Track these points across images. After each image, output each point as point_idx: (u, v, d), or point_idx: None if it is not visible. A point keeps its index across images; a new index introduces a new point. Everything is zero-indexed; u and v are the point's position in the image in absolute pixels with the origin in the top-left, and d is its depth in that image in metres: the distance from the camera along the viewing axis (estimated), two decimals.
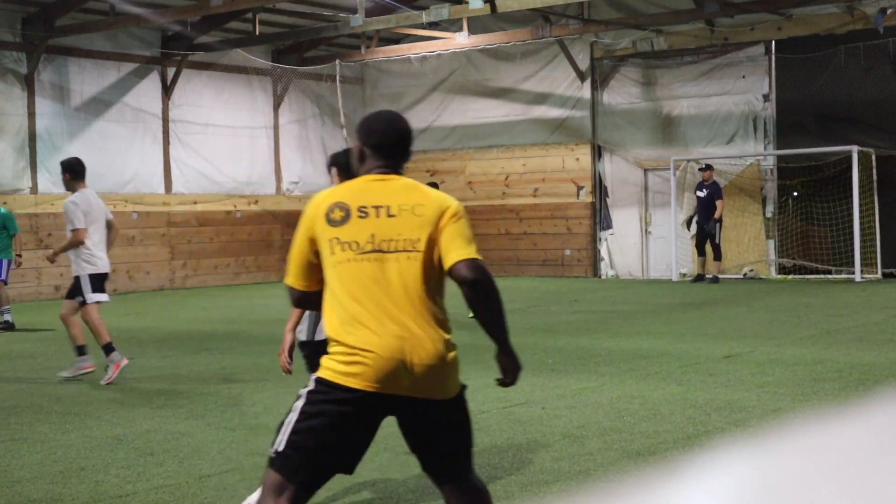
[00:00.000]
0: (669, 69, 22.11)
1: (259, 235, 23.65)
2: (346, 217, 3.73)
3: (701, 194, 20.47)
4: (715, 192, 20.33)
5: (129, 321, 15.46)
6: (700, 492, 0.82)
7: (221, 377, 9.64)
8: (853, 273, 19.52)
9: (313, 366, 4.97)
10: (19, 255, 15.13)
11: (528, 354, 10.71)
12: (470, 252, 3.88)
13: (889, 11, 19.14)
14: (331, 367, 3.70)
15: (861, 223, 19.48)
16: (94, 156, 20.80)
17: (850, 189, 19.62)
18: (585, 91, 22.96)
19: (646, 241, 22.72)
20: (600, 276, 22.99)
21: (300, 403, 3.82)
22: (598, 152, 23.11)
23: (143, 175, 21.66)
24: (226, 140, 23.17)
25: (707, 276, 20.46)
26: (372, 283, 3.69)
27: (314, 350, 5.26)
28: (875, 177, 20.02)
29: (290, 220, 24.26)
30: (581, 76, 22.89)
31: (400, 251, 3.74)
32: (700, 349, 10.75)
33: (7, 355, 11.81)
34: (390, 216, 3.73)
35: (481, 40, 21.95)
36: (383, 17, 19.18)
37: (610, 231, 23.00)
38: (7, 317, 14.70)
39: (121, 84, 21.31)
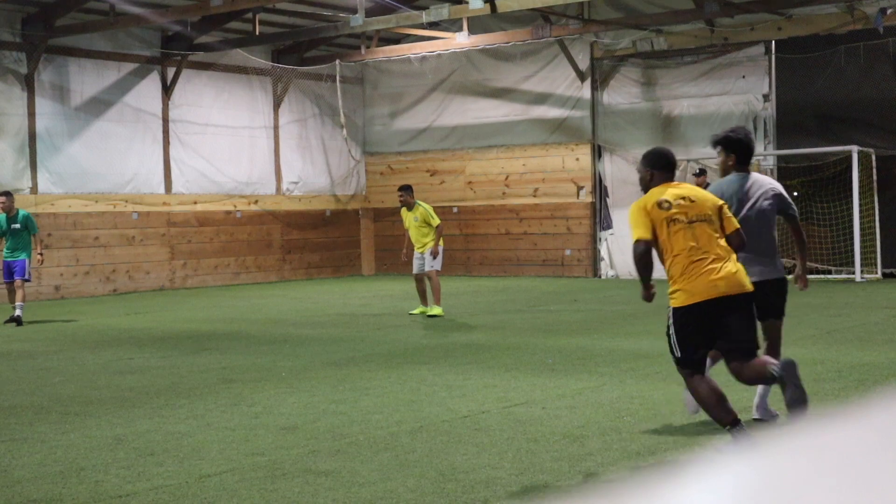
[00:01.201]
0: (669, 69, 22.11)
1: (259, 235, 23.65)
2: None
3: None
4: None
5: (129, 321, 15.47)
6: (700, 492, 0.82)
7: (221, 377, 9.64)
8: (853, 273, 19.52)
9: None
10: (41, 254, 15.64)
11: (528, 354, 10.72)
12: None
13: (889, 11, 19.15)
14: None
15: (861, 223, 19.48)
16: (94, 156, 20.83)
17: (850, 189, 19.63)
18: (585, 91, 22.96)
19: None
20: (600, 276, 22.99)
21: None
22: (598, 152, 23.11)
23: (143, 175, 21.66)
24: (226, 140, 23.17)
25: None
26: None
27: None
28: (875, 177, 20.02)
29: (290, 220, 24.27)
30: (581, 76, 22.89)
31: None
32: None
33: (7, 355, 11.81)
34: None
35: (481, 40, 21.95)
36: (383, 17, 19.19)
37: (610, 231, 23.01)
38: (18, 311, 15.25)
39: (121, 84, 21.31)
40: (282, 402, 8.25)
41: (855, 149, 19.48)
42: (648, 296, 6.95)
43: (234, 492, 5.57)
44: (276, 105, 24.23)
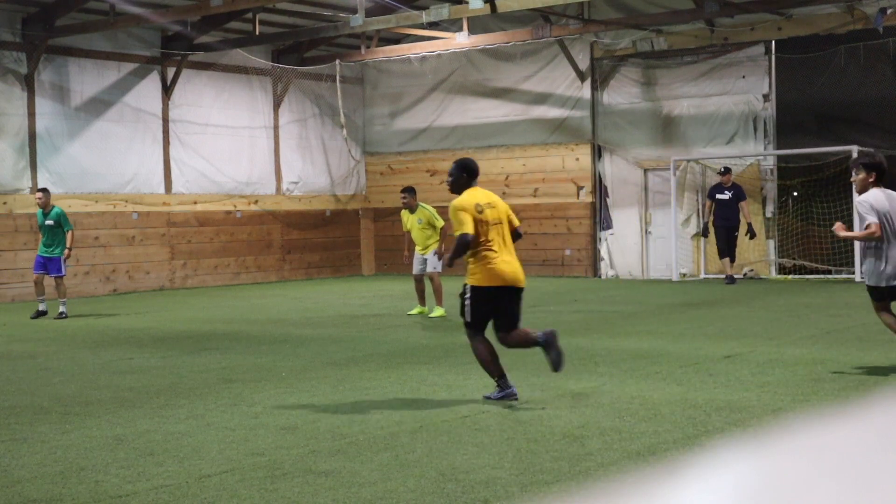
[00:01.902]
0: (669, 69, 22.11)
1: (259, 235, 23.65)
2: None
3: (723, 197, 20.10)
4: (740, 194, 20.07)
5: (129, 321, 15.47)
6: (700, 492, 0.82)
7: (221, 377, 9.64)
8: (853, 273, 19.52)
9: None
10: (69, 249, 16.18)
11: (529, 354, 10.71)
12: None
13: (889, 11, 19.15)
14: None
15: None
16: (94, 156, 20.83)
17: (850, 189, 19.61)
18: (585, 91, 22.96)
19: (646, 241, 22.72)
20: (600, 276, 22.99)
21: None
22: (598, 152, 23.11)
23: (143, 175, 21.66)
24: (226, 140, 23.17)
25: (736, 275, 20.34)
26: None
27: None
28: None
29: (290, 220, 24.27)
30: (581, 76, 22.89)
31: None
32: (700, 349, 10.75)
33: (7, 355, 11.81)
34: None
35: (481, 40, 21.95)
36: (383, 17, 19.19)
37: (610, 231, 23.00)
38: (63, 308, 16.01)
39: (121, 84, 21.31)
40: (282, 402, 8.25)
41: (855, 149, 19.48)
42: (450, 262, 8.82)
43: (234, 492, 5.57)
44: (276, 105, 24.23)
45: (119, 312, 16.79)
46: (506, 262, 8.17)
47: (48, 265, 16.01)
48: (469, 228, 8.16)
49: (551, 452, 6.26)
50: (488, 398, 8.09)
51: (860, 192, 9.52)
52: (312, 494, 5.47)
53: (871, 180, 9.38)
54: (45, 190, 16.29)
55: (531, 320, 14.15)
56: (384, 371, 9.75)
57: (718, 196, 20.23)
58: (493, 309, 8.15)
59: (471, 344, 8.27)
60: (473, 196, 8.48)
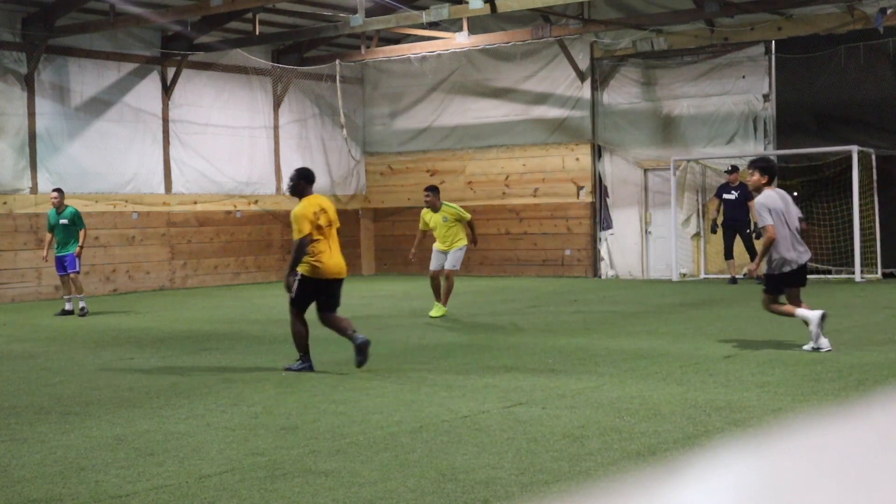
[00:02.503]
0: (669, 69, 22.11)
1: (259, 235, 23.65)
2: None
3: (730, 197, 19.95)
4: (748, 193, 19.89)
5: (129, 321, 15.47)
6: (700, 492, 0.82)
7: (221, 377, 9.64)
8: (853, 273, 19.52)
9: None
10: (81, 246, 16.52)
11: (528, 354, 10.72)
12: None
13: (889, 11, 19.15)
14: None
15: (861, 223, 19.48)
16: (94, 156, 20.83)
17: (850, 189, 19.62)
18: (585, 91, 22.97)
19: (646, 241, 22.72)
20: (600, 276, 22.99)
21: None
22: (598, 152, 23.11)
23: (143, 175, 21.67)
24: (226, 140, 23.17)
25: (748, 276, 20.27)
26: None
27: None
28: (875, 177, 20.02)
29: (289, 220, 24.26)
30: (581, 76, 22.89)
31: None
32: (700, 349, 10.75)
33: (7, 355, 11.81)
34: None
35: (481, 40, 21.96)
36: (383, 17, 19.19)
37: (610, 231, 23.00)
38: (82, 304, 16.26)
39: (121, 84, 21.31)
40: (282, 402, 8.25)
41: (855, 149, 19.48)
42: (291, 282, 9.91)
43: (234, 492, 5.57)
44: (276, 105, 24.23)
45: (119, 312, 16.78)
46: (332, 258, 9.97)
47: (66, 263, 16.34)
48: (308, 231, 9.87)
49: (551, 452, 6.26)
50: (289, 369, 9.85)
51: (754, 192, 10.78)
52: (312, 494, 5.47)
53: (763, 182, 10.52)
54: (59, 190, 16.74)
55: (532, 320, 14.19)
56: (384, 371, 9.75)
57: (725, 196, 20.12)
58: (317, 295, 9.92)
59: (291, 320, 9.96)
60: (311, 203, 10.16)
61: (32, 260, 19.56)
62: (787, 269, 10.52)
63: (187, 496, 5.52)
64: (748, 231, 19.93)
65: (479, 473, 5.80)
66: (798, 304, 10.63)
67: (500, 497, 5.34)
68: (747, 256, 21.09)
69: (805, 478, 0.82)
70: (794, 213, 10.70)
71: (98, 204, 20.76)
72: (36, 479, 5.95)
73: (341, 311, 10.16)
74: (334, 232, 10.17)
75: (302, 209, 10.03)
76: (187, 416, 7.76)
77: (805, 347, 10.33)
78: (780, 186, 21.18)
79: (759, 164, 10.74)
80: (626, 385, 8.64)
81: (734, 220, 20.01)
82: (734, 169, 20.10)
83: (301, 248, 9.84)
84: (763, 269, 10.87)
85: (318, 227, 9.95)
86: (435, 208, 15.21)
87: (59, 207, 16.45)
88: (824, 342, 10.26)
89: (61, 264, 16.39)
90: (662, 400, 7.89)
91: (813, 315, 10.31)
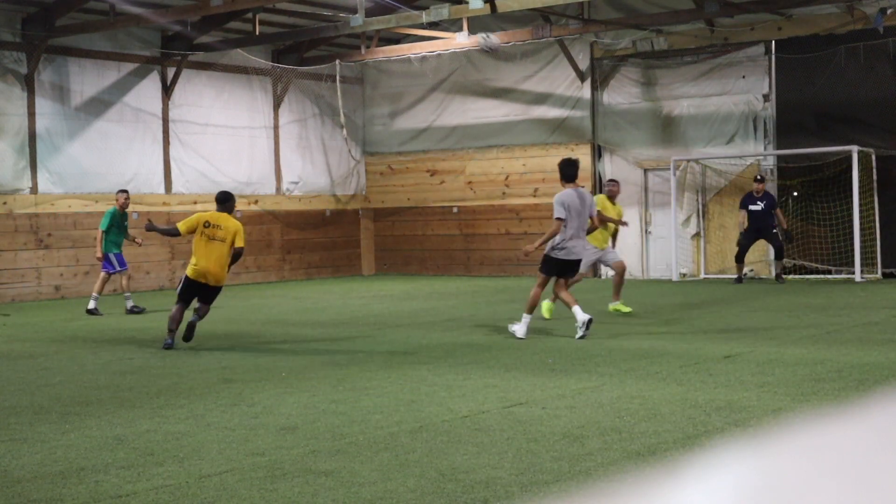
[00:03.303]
0: (669, 69, 22.11)
1: (259, 235, 23.65)
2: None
3: (756, 208, 19.57)
4: (773, 202, 19.67)
5: (129, 321, 15.47)
6: (700, 492, 0.82)
7: (221, 377, 9.64)
8: (853, 273, 19.52)
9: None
10: (137, 241, 17.16)
11: (528, 354, 10.72)
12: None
13: (889, 11, 19.15)
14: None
15: (861, 223, 19.48)
16: (94, 156, 20.83)
17: (850, 189, 19.63)
18: (585, 91, 22.96)
19: (646, 241, 22.72)
20: (600, 276, 22.98)
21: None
22: (598, 152, 23.11)
23: (143, 175, 21.67)
24: (226, 140, 23.17)
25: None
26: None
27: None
28: (875, 177, 20.02)
29: (290, 220, 24.27)
30: (581, 76, 22.89)
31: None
32: (700, 349, 10.75)
33: (7, 355, 11.81)
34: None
35: (481, 40, 21.95)
36: (383, 17, 19.18)
37: None
38: (129, 303, 16.74)
39: (121, 84, 21.31)
40: (282, 402, 8.25)
41: (855, 149, 19.48)
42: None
43: (234, 492, 5.57)
44: (276, 105, 24.24)
45: (119, 312, 16.78)
46: (209, 267, 11.96)
47: (122, 261, 16.77)
48: (186, 231, 12.17)
49: (551, 452, 6.26)
50: (167, 345, 11.73)
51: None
52: (312, 494, 5.47)
53: (562, 182, 12.12)
54: (126, 191, 17.20)
55: (532, 320, 14.17)
56: (384, 371, 9.75)
57: (752, 207, 19.72)
58: (195, 292, 12.06)
59: (174, 309, 12.00)
60: (209, 216, 12.21)
61: (32, 260, 19.57)
62: (562, 255, 11.91)
63: (187, 496, 5.52)
64: (774, 232, 19.63)
65: (479, 473, 5.80)
66: (563, 291, 12.11)
67: (500, 497, 5.34)
68: (747, 256, 21.09)
69: (805, 478, 0.82)
70: (588, 212, 12.03)
71: (98, 204, 20.75)
72: (36, 479, 5.95)
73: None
74: (218, 245, 12.06)
75: (197, 218, 12.34)
76: (187, 416, 7.76)
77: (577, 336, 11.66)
78: (780, 186, 21.38)
79: (560, 165, 12.28)
80: (626, 385, 8.64)
81: (759, 231, 19.65)
82: (762, 179, 19.78)
83: (170, 235, 12.90)
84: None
85: (203, 236, 12.03)
86: (613, 200, 15.32)
87: (125, 208, 16.85)
88: (580, 328, 11.64)
89: (120, 261, 16.68)
90: (662, 400, 7.89)
91: (581, 316, 11.67)
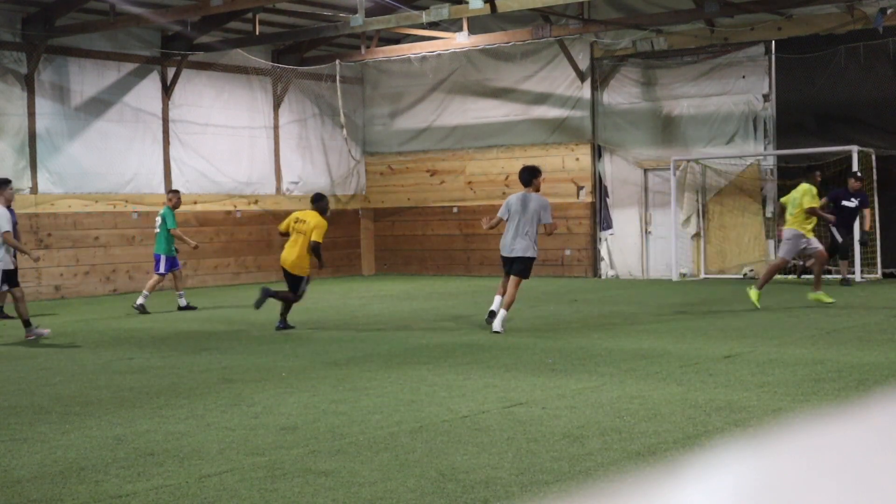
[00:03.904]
0: (669, 69, 22.11)
1: (259, 235, 23.65)
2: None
3: (850, 205, 18.95)
4: (865, 201, 19.10)
5: (129, 321, 15.47)
6: (700, 492, 0.82)
7: (221, 377, 9.64)
8: (853, 273, 19.51)
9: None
10: (193, 245, 17.34)
11: (528, 354, 10.72)
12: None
13: (889, 11, 19.15)
14: None
15: (861, 223, 19.46)
16: (94, 156, 20.83)
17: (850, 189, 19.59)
18: (585, 91, 22.96)
19: (646, 241, 22.72)
20: (600, 276, 22.98)
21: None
22: (598, 152, 23.11)
23: (143, 175, 21.66)
24: (226, 140, 23.17)
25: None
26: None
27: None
28: (875, 177, 20.02)
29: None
30: (581, 76, 22.89)
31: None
32: (700, 349, 10.75)
33: (7, 355, 11.81)
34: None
35: (481, 40, 21.96)
36: (383, 17, 19.18)
37: (610, 231, 23.00)
38: (182, 300, 17.12)
39: (121, 84, 21.31)
40: (282, 402, 8.25)
41: (855, 149, 19.47)
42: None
43: (234, 492, 5.57)
44: (276, 105, 24.23)
45: (119, 312, 16.78)
46: (283, 254, 13.74)
47: (175, 260, 17.17)
48: (284, 228, 13.86)
49: (551, 452, 6.26)
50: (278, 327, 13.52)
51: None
52: (312, 494, 5.47)
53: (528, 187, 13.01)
54: (178, 191, 17.67)
55: (532, 320, 14.19)
56: (384, 371, 9.75)
57: (844, 203, 19.08)
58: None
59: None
60: (297, 214, 13.93)
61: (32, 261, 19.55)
62: (502, 252, 13.10)
63: (187, 496, 5.52)
64: (848, 237, 19.21)
65: (479, 473, 5.80)
66: (505, 288, 12.92)
67: (500, 497, 5.34)
68: (747, 256, 21.09)
69: (805, 478, 0.82)
70: (531, 215, 12.76)
71: (98, 204, 20.76)
72: (36, 479, 5.95)
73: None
74: (300, 238, 13.31)
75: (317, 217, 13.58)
76: (187, 416, 7.76)
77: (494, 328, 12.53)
78: (780, 186, 21.36)
79: (524, 169, 13.32)
80: (626, 385, 8.64)
81: (848, 228, 19.06)
82: (860, 177, 19.03)
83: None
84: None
85: (293, 230, 13.59)
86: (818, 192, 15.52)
87: (177, 207, 17.18)
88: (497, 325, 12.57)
89: (174, 262, 17.00)
90: (662, 400, 7.89)
91: (494, 305, 12.97)
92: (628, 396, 8.08)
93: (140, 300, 16.70)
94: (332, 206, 25.51)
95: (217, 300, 19.01)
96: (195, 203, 22.47)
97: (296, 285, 13.52)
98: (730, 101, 21.47)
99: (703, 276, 21.59)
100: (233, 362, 10.66)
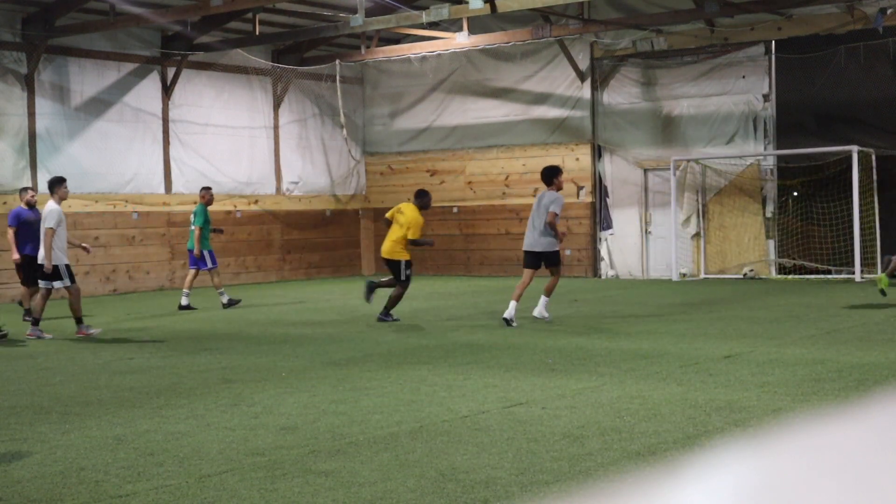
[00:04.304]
0: (669, 69, 22.11)
1: (259, 235, 23.65)
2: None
3: None
4: None
5: (129, 321, 15.47)
6: (700, 492, 0.82)
7: (221, 377, 9.64)
8: (853, 273, 19.52)
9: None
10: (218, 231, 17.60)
11: (528, 354, 10.73)
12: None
13: (889, 11, 19.15)
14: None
15: (861, 223, 19.48)
16: (94, 156, 20.83)
17: (850, 189, 19.62)
18: (585, 91, 22.96)
19: (646, 241, 22.72)
20: (600, 276, 22.98)
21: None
22: (598, 152, 23.11)
23: (143, 175, 21.66)
24: (226, 140, 23.17)
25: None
26: None
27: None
28: (875, 177, 20.02)
29: (290, 220, 24.28)
30: (581, 76, 22.89)
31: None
32: (700, 349, 10.75)
33: (7, 355, 11.82)
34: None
35: (481, 40, 21.96)
36: (383, 17, 19.19)
37: (610, 231, 23.00)
38: (224, 297, 17.20)
39: (121, 84, 21.31)
40: (282, 402, 8.25)
41: (855, 149, 19.47)
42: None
43: (234, 492, 5.57)
44: (276, 105, 24.24)
45: (119, 312, 16.79)
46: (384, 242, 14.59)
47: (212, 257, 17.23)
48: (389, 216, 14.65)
49: (551, 452, 6.26)
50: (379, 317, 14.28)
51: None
52: (312, 494, 5.47)
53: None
54: (210, 188, 17.81)
55: (532, 320, 14.19)
56: (384, 371, 9.75)
57: None
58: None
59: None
60: (400, 206, 14.63)
61: None
62: (525, 247, 14.00)
63: (187, 496, 5.52)
64: None
65: (479, 473, 5.80)
66: (521, 293, 13.72)
67: (500, 497, 5.34)
68: (747, 256, 21.07)
69: (805, 478, 0.82)
70: (543, 210, 13.64)
71: (98, 204, 20.76)
72: (36, 479, 5.95)
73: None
74: (396, 228, 14.28)
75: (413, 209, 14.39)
76: (187, 416, 7.76)
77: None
78: (780, 186, 21.36)
79: (544, 169, 14.22)
80: (626, 385, 8.64)
81: None
82: None
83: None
84: None
85: (394, 221, 14.44)
86: None
87: (210, 203, 17.31)
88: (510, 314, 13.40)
89: (213, 259, 17.11)
90: (662, 400, 7.89)
91: (508, 312, 13.44)
92: (628, 396, 8.08)
93: (224, 299, 17.09)
94: (333, 206, 25.64)
95: (217, 300, 19.01)
96: (195, 203, 22.44)
97: (397, 271, 14.12)
98: (730, 101, 21.47)
99: (703, 276, 21.59)
100: (233, 362, 10.66)
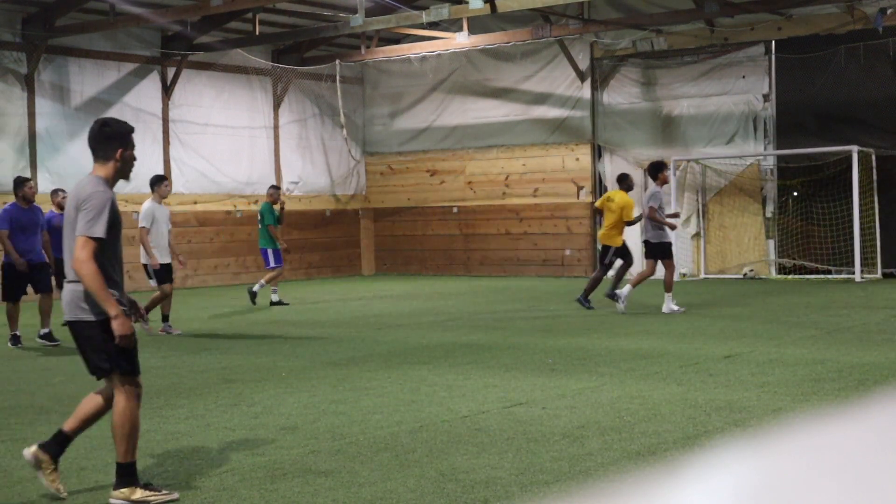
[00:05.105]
0: (669, 69, 22.11)
1: (259, 235, 23.62)
2: None
3: None
4: None
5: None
6: (700, 492, 0.82)
7: (221, 377, 9.64)
8: (853, 273, 19.52)
9: None
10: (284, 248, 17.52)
11: (528, 354, 10.72)
12: None
13: (889, 11, 19.15)
14: None
15: (861, 223, 19.48)
16: None
17: (850, 189, 19.62)
18: (585, 91, 22.96)
19: None
20: None
21: None
22: (598, 152, 23.11)
23: (143, 175, 21.60)
24: (226, 140, 23.17)
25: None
26: None
27: None
28: (875, 177, 20.02)
29: (289, 220, 24.27)
30: (581, 76, 22.89)
31: None
32: (700, 349, 10.75)
33: (7, 355, 11.82)
34: None
35: (481, 40, 21.96)
36: (383, 17, 19.19)
37: None
38: (275, 296, 17.34)
39: (121, 84, 21.31)
40: (282, 402, 8.25)
41: (855, 149, 19.47)
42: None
43: (234, 492, 5.57)
44: (276, 105, 24.24)
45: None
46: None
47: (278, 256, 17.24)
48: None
49: (551, 452, 6.26)
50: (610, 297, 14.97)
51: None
52: (312, 494, 5.47)
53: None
54: (278, 186, 17.98)
55: (532, 320, 14.20)
56: (384, 371, 9.75)
57: None
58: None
59: None
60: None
61: None
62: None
63: (187, 496, 5.52)
64: None
65: (479, 473, 5.80)
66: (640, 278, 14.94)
67: (500, 497, 5.34)
68: (747, 256, 21.06)
69: (805, 478, 0.82)
70: (644, 205, 14.53)
71: None
72: (36, 480, 5.95)
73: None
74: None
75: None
76: (187, 416, 7.76)
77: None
78: (780, 186, 21.36)
79: (650, 165, 14.99)
80: (626, 385, 8.64)
81: None
82: None
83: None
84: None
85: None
86: None
87: (276, 202, 17.37)
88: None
89: (280, 256, 17.21)
90: (662, 400, 7.89)
91: (624, 290, 14.69)
92: (628, 396, 8.08)
93: (274, 297, 17.27)
94: (333, 206, 25.64)
95: (217, 300, 19.00)
96: (195, 203, 22.47)
97: (604, 255, 15.27)
98: (730, 101, 21.47)
99: (703, 276, 21.59)
100: (233, 362, 10.66)
